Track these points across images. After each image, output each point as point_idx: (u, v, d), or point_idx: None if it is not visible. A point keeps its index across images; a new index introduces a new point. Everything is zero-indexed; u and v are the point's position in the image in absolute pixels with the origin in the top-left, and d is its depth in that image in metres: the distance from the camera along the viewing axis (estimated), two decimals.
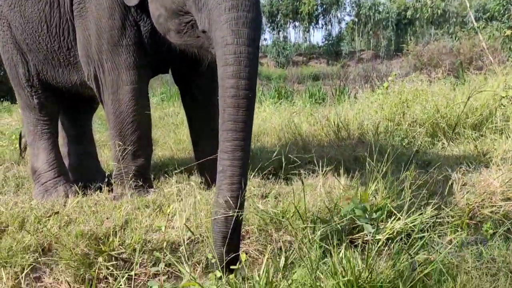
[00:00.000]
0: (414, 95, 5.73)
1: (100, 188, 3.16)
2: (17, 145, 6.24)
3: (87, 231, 2.22)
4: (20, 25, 3.02)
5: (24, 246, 2.13)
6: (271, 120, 5.98)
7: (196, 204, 2.50)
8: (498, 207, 2.63)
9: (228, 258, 1.84)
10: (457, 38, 13.61)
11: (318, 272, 1.65)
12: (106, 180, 3.23)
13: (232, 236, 1.86)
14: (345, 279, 1.57)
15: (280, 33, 45.77)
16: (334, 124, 5.00)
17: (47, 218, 2.43)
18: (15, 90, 3.38)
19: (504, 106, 5.14)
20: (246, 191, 1.92)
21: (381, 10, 42.29)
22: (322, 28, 45.58)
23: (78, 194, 3.00)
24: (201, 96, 3.10)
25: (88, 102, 3.50)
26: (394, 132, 4.76)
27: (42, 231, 2.28)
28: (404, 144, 4.40)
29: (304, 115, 6.58)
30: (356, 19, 43.83)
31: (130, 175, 2.83)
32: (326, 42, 44.36)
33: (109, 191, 3.08)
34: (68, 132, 3.56)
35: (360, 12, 43.04)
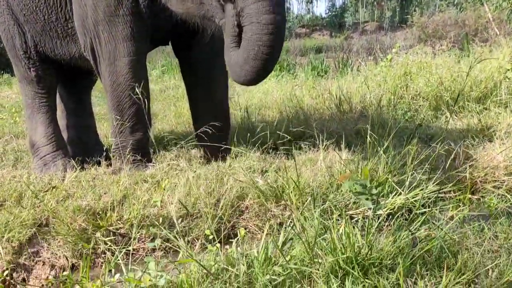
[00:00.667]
0: (418, 68, 5.64)
1: (99, 162, 3.13)
2: (17, 119, 6.23)
3: (85, 206, 2.20)
4: None
5: (21, 221, 2.11)
6: (273, 93, 5.91)
7: (195, 178, 2.48)
8: (501, 182, 2.60)
9: None
10: (461, 9, 13.31)
11: (316, 249, 1.62)
12: (105, 154, 3.20)
13: None
14: (345, 256, 1.55)
15: None
16: (336, 97, 4.93)
17: (44, 193, 2.40)
18: (12, 62, 3.31)
19: (509, 78, 5.06)
20: None
21: None
22: None
23: (76, 168, 2.98)
24: (201, 68, 3.03)
25: (87, 75, 3.43)
26: (397, 105, 4.70)
27: (39, 206, 2.26)
28: (407, 117, 4.34)
29: (306, 88, 6.50)
30: None
31: (128, 149, 2.79)
32: (330, 13, 43.63)
33: (107, 165, 3.05)
34: (67, 105, 3.51)
35: None
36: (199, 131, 2.98)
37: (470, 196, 2.50)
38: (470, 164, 2.76)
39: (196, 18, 2.49)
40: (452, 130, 3.72)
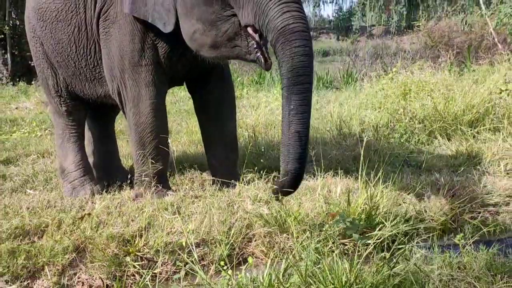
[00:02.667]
0: (417, 87, 5.97)
1: (122, 185, 3.53)
2: (39, 133, 6.63)
3: (116, 233, 2.58)
4: (51, 45, 3.35)
5: (64, 247, 2.50)
6: (279, 111, 6.26)
7: (208, 207, 2.86)
8: (477, 213, 2.95)
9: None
10: (468, 24, 13.51)
11: (309, 279, 1.99)
12: (126, 177, 3.59)
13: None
14: (332, 286, 1.92)
15: None
16: (337, 118, 5.30)
17: (79, 219, 2.79)
18: (47, 99, 3.73)
19: (504, 99, 5.36)
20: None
21: None
22: (332, 2, 45.01)
23: (101, 192, 3.39)
24: (213, 106, 3.42)
25: (111, 108, 3.83)
26: (394, 128, 5.03)
27: (76, 233, 2.64)
28: (402, 140, 4.68)
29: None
30: None
31: (149, 178, 3.17)
32: (337, 16, 43.88)
33: (130, 188, 3.45)
34: (93, 133, 3.91)
35: None
36: (211, 160, 3.43)
37: (450, 225, 2.85)
38: (452, 194, 3.12)
39: (229, 59, 2.86)
40: (441, 157, 4.07)
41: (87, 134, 3.89)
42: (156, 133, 3.13)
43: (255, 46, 2.53)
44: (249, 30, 2.49)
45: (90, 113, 3.80)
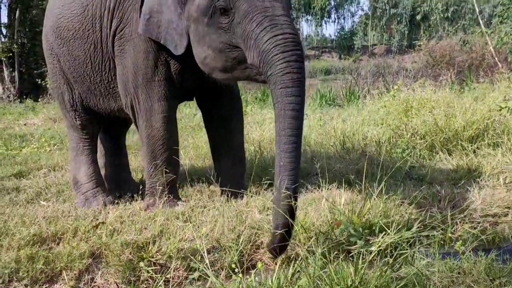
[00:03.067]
0: (419, 103, 6.11)
1: (132, 197, 3.66)
2: (48, 148, 6.78)
3: (130, 240, 2.70)
4: (67, 61, 3.53)
5: (80, 252, 2.61)
6: None
7: (218, 216, 2.98)
8: (477, 223, 3.06)
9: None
10: (466, 43, 13.71)
11: (317, 281, 2.10)
12: (136, 188, 3.72)
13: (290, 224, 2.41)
14: (339, 287, 2.03)
15: None
16: (341, 134, 5.44)
17: (94, 227, 2.91)
18: (62, 113, 3.90)
19: (504, 116, 5.49)
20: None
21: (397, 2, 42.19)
22: (334, 22, 45.68)
23: (113, 203, 3.52)
24: (221, 117, 3.57)
25: (123, 122, 3.98)
26: (396, 143, 5.16)
27: (91, 239, 2.76)
28: (404, 155, 4.80)
29: (314, 119, 7.03)
30: (370, 13, 43.83)
31: (161, 188, 3.29)
32: (339, 35, 44.42)
33: (141, 199, 3.57)
34: (106, 146, 4.06)
35: (377, 6, 43.04)
36: (219, 171, 3.57)
37: (450, 235, 2.96)
38: (452, 205, 3.23)
39: (241, 80, 3.01)
40: (442, 171, 4.18)
41: (100, 147, 4.03)
42: (167, 145, 3.27)
43: None
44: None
45: (103, 127, 3.95)
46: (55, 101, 11.67)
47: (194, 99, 3.69)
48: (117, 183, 3.96)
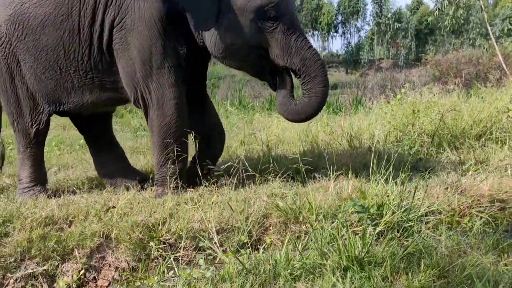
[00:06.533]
0: (426, 107, 6.14)
1: (128, 188, 3.71)
2: (58, 152, 6.85)
3: (140, 221, 2.74)
4: (31, 55, 3.39)
5: (92, 232, 2.66)
6: (290, 130, 6.47)
7: (227, 200, 3.02)
8: (485, 208, 3.06)
9: None
10: (479, 48, 13.75)
11: (325, 249, 2.13)
12: (137, 179, 3.81)
13: None
14: (346, 254, 2.05)
15: None
16: (348, 134, 5.46)
17: (105, 211, 2.95)
18: (13, 118, 3.69)
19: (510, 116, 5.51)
20: None
21: (402, 19, 42.50)
22: (341, 36, 46.02)
23: (47, 197, 3.48)
24: (197, 98, 3.68)
25: (101, 119, 4.00)
26: (403, 141, 5.18)
27: (103, 221, 2.81)
28: (410, 152, 4.82)
29: (321, 124, 7.07)
30: (376, 28, 44.11)
31: (171, 177, 3.32)
32: (346, 50, 44.67)
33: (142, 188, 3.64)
34: (95, 144, 4.07)
35: (381, 21, 43.36)
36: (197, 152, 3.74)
37: (458, 219, 2.96)
38: (460, 192, 3.24)
39: (247, 71, 3.47)
40: (449, 164, 4.19)
41: (93, 146, 4.09)
42: (179, 133, 3.31)
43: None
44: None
45: (84, 129, 4.01)
46: None
47: None
48: (120, 176, 3.93)
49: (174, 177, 3.32)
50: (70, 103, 3.56)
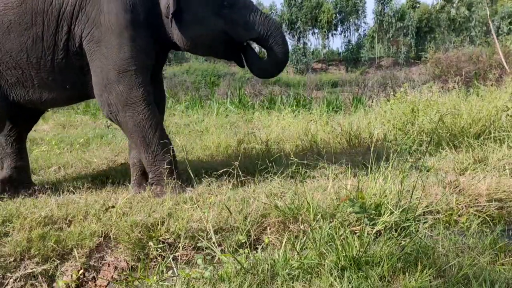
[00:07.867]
0: (425, 105, 6.15)
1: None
2: (58, 151, 6.86)
3: (139, 220, 2.75)
4: None
5: (91, 232, 2.67)
6: (290, 129, 6.48)
7: (225, 200, 3.02)
8: (483, 207, 3.07)
9: None
10: (479, 46, 13.76)
11: (322, 249, 2.14)
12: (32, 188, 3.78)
13: None
14: (344, 254, 2.06)
15: (300, 40, 46.30)
16: (347, 133, 5.47)
17: (104, 211, 2.96)
18: None
19: (509, 115, 5.50)
20: None
21: (405, 16, 42.43)
22: (341, 34, 45.96)
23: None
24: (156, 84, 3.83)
25: (29, 123, 4.16)
26: (402, 140, 5.19)
27: (102, 221, 2.81)
28: (409, 151, 4.82)
29: (321, 123, 7.07)
30: (377, 26, 44.07)
31: (165, 174, 3.34)
32: (346, 48, 44.63)
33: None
34: (8, 151, 4.04)
35: (383, 19, 43.30)
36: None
37: (456, 218, 2.97)
38: (458, 191, 3.25)
39: (215, 55, 4.09)
40: (448, 162, 4.20)
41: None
42: (155, 126, 3.42)
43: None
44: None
45: (6, 131, 3.98)
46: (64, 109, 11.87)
47: None
48: (16, 185, 3.90)
49: (169, 171, 3.36)
50: (27, 100, 3.68)
